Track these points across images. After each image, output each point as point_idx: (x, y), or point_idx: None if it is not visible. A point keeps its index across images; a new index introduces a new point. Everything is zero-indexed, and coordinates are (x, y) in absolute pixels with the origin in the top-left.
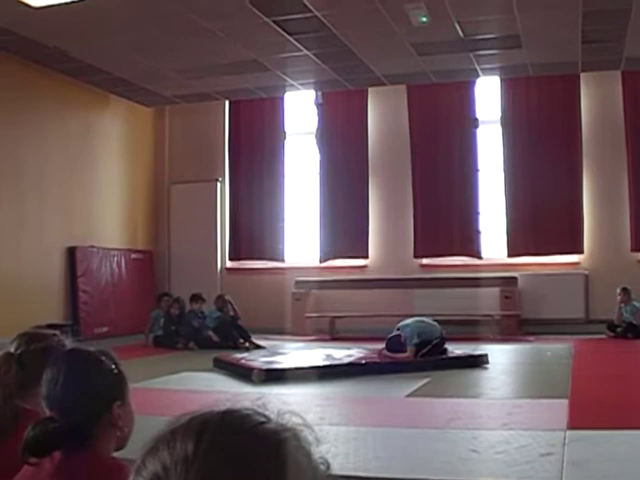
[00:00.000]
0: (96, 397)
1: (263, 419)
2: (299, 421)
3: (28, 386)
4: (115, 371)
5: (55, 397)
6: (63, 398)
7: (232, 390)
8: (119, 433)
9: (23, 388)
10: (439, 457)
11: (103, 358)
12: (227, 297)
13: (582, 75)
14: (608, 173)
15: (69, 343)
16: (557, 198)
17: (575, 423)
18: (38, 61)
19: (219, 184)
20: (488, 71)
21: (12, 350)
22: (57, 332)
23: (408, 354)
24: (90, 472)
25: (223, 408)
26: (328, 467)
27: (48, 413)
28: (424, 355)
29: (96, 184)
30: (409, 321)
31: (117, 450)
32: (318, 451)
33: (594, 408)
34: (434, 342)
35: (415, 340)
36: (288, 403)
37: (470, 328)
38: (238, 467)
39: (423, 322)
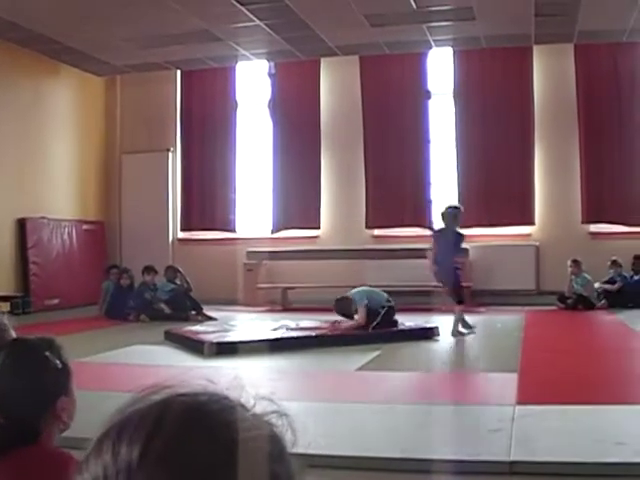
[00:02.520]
0: (40, 395)
1: (232, 417)
2: (275, 408)
3: None
4: (59, 366)
5: None
6: (6, 398)
7: (184, 364)
8: (62, 426)
9: None
10: (388, 433)
11: (47, 353)
12: (178, 268)
13: (535, 48)
14: (560, 145)
15: (2, 323)
16: (509, 170)
17: (524, 398)
18: None
19: (171, 154)
20: (441, 43)
21: None
22: None
23: (360, 315)
24: (35, 465)
25: (187, 398)
26: (302, 469)
27: None
28: (376, 326)
29: (47, 154)
30: (357, 289)
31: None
32: (293, 450)
33: (543, 383)
34: (384, 310)
35: (365, 301)
36: (238, 377)
37: (422, 299)
38: None
39: (371, 290)
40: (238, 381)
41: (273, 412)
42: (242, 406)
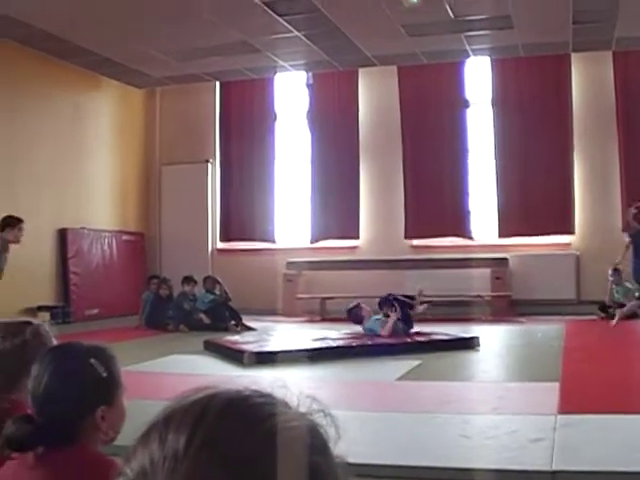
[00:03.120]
0: (78, 401)
1: (275, 410)
2: (319, 407)
3: (12, 382)
4: (104, 374)
5: (37, 396)
6: (44, 399)
7: (223, 373)
8: (103, 435)
9: (7, 385)
10: (429, 442)
11: (93, 360)
12: (217, 278)
13: (573, 55)
14: (599, 153)
15: (44, 330)
16: (548, 178)
17: (566, 407)
18: (27, 43)
19: (210, 165)
20: (479, 52)
21: None
22: (30, 319)
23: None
24: (73, 467)
25: (231, 392)
26: (345, 467)
27: (31, 409)
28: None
29: (87, 166)
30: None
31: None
32: (337, 449)
33: (585, 391)
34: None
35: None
36: (283, 379)
37: (461, 309)
38: (235, 470)
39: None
40: (281, 382)
41: (316, 410)
42: (285, 402)
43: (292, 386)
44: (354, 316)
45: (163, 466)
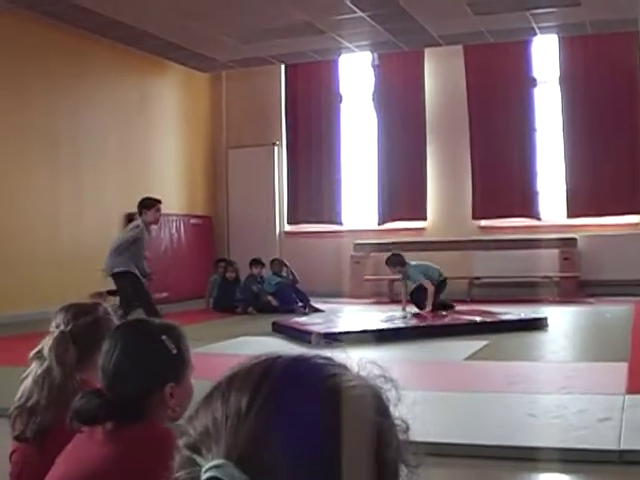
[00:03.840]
0: (147, 377)
1: (337, 370)
2: (380, 373)
3: (84, 359)
4: (174, 351)
5: (107, 371)
6: (114, 373)
7: (291, 354)
8: (170, 412)
9: (80, 362)
10: (497, 422)
11: (164, 337)
12: (284, 261)
13: None
14: None
15: (113, 312)
16: (616, 158)
17: (635, 387)
18: (93, 30)
19: (276, 148)
20: (546, 29)
21: (62, 327)
22: (100, 301)
23: (429, 290)
24: (141, 442)
25: (292, 355)
26: (407, 430)
27: (101, 384)
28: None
29: (154, 150)
30: (413, 263)
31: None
32: (398, 411)
33: None
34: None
35: (421, 277)
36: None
37: (529, 290)
38: (298, 428)
39: (426, 266)
40: (344, 350)
41: (377, 374)
42: (345, 365)
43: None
44: (393, 262)
45: (226, 424)
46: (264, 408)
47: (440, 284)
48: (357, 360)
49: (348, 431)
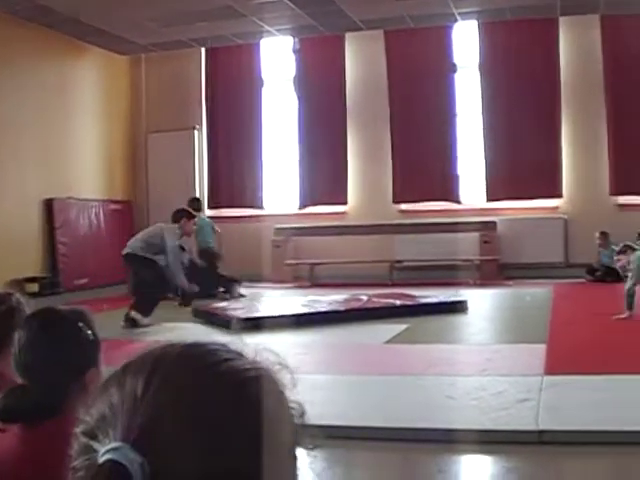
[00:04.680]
0: (70, 365)
1: (231, 355)
2: (276, 359)
3: None
4: (91, 337)
5: (28, 364)
6: (35, 366)
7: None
8: (90, 398)
9: None
10: (416, 404)
11: (81, 324)
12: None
13: (561, 19)
14: (587, 117)
15: (25, 301)
16: (536, 142)
17: (552, 369)
18: (12, 13)
19: (197, 132)
20: (466, 15)
21: None
22: (13, 291)
23: None
24: (60, 437)
25: (187, 341)
26: (303, 414)
27: (19, 378)
28: None
29: (73, 135)
30: None
31: None
32: (293, 395)
33: (571, 353)
34: None
35: None
36: (243, 337)
37: (450, 273)
38: (192, 409)
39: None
40: (241, 338)
41: (273, 361)
42: (241, 352)
43: (280, 351)
44: None
45: (122, 409)
46: (159, 391)
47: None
48: (253, 346)
49: (242, 413)
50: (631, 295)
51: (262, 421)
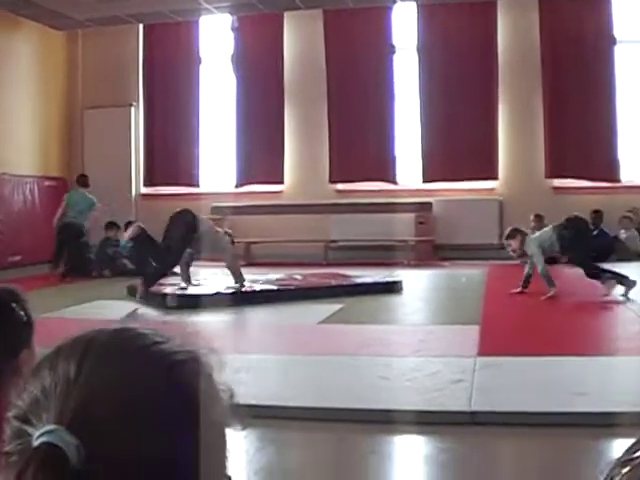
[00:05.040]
0: (2, 348)
1: (159, 339)
2: (203, 343)
3: None
4: (24, 318)
5: None
6: None
7: (145, 317)
8: (22, 380)
9: None
10: (349, 385)
11: (13, 305)
12: (139, 224)
13: (499, 3)
14: (524, 101)
15: None
16: (473, 125)
17: (486, 350)
18: None
19: (133, 109)
20: None
21: None
22: None
23: None
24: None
25: (117, 326)
26: (232, 396)
27: None
28: None
29: (7, 111)
30: None
31: None
32: (222, 378)
33: (505, 335)
34: None
35: None
36: (200, 330)
37: (386, 253)
38: (124, 391)
39: None
40: (167, 323)
41: (201, 345)
42: (169, 336)
43: (214, 330)
44: None
45: (55, 392)
46: (90, 375)
47: None
48: (181, 331)
49: (172, 395)
50: (546, 275)
51: (192, 403)
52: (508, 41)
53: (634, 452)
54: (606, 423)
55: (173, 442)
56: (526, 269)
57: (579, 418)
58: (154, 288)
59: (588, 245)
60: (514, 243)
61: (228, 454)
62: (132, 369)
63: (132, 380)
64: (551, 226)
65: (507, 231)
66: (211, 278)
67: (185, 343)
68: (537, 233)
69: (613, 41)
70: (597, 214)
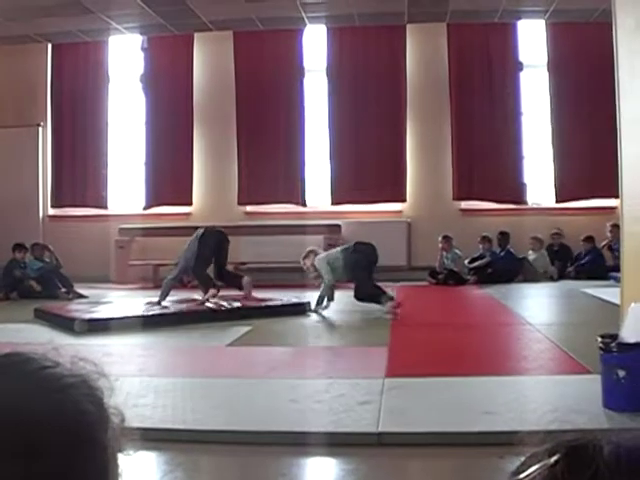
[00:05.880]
0: None
1: (49, 363)
2: (93, 368)
3: None
4: None
5: None
6: None
7: (53, 342)
8: None
9: None
10: (258, 407)
11: None
12: (47, 245)
13: (408, 26)
14: (431, 123)
15: None
16: (381, 147)
17: (394, 371)
18: None
19: (41, 129)
20: (315, 20)
21: None
22: None
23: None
24: None
25: (5, 352)
26: (123, 419)
27: None
28: None
29: None
30: None
31: None
32: (112, 401)
33: (413, 356)
34: None
35: None
36: (108, 354)
37: (295, 275)
38: (11, 416)
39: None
40: (57, 349)
41: (90, 369)
42: (57, 361)
43: (123, 353)
44: None
45: None
46: None
47: None
48: (69, 356)
49: (61, 419)
50: (329, 287)
51: (81, 426)
52: (417, 65)
53: (519, 473)
54: (512, 442)
55: (62, 465)
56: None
57: (486, 437)
58: (60, 312)
59: (370, 269)
60: (307, 262)
61: (120, 478)
62: (20, 393)
63: (20, 404)
64: (340, 248)
65: (305, 252)
66: (121, 300)
67: (74, 367)
68: (324, 253)
69: (519, 66)
70: (504, 235)
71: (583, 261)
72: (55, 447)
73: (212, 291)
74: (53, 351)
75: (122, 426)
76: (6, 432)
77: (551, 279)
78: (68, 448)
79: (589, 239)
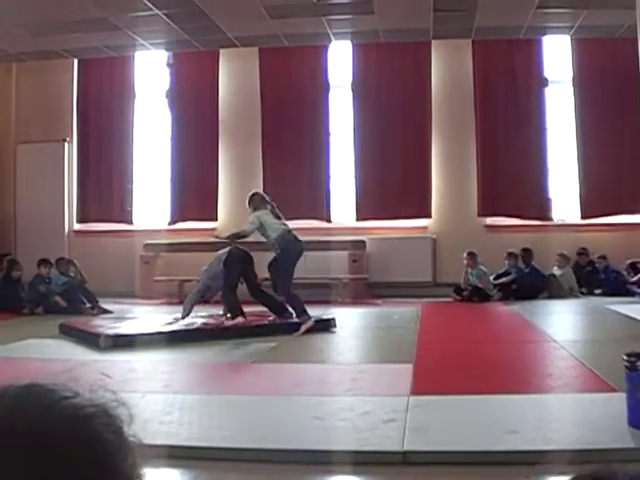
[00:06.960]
0: None
1: (69, 394)
2: (112, 397)
3: None
4: None
5: None
6: None
7: (78, 357)
8: None
9: None
10: (282, 425)
11: None
12: (72, 260)
13: (433, 43)
14: (457, 139)
15: None
16: (406, 163)
17: (419, 389)
18: None
19: (67, 144)
20: (340, 36)
21: None
22: None
23: None
24: None
25: (25, 382)
26: (141, 446)
27: None
28: None
29: None
30: None
31: None
32: (131, 429)
33: (438, 373)
34: None
35: None
36: (133, 370)
37: (320, 291)
38: (34, 447)
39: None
40: (75, 376)
41: (109, 398)
42: (77, 391)
43: (148, 369)
44: None
45: None
46: (1, 424)
47: None
48: (89, 386)
49: (81, 448)
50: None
51: (103, 455)
52: (442, 80)
53: None
54: (537, 461)
55: None
56: None
57: (511, 457)
58: (85, 327)
59: (290, 273)
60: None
61: None
62: (43, 425)
63: (43, 436)
64: (285, 227)
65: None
66: (146, 316)
67: (94, 396)
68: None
69: (544, 82)
70: (527, 252)
71: (602, 277)
72: (77, 477)
73: (240, 319)
74: (73, 381)
75: (142, 453)
76: (29, 464)
77: (577, 295)
78: (90, 478)
79: (602, 257)
